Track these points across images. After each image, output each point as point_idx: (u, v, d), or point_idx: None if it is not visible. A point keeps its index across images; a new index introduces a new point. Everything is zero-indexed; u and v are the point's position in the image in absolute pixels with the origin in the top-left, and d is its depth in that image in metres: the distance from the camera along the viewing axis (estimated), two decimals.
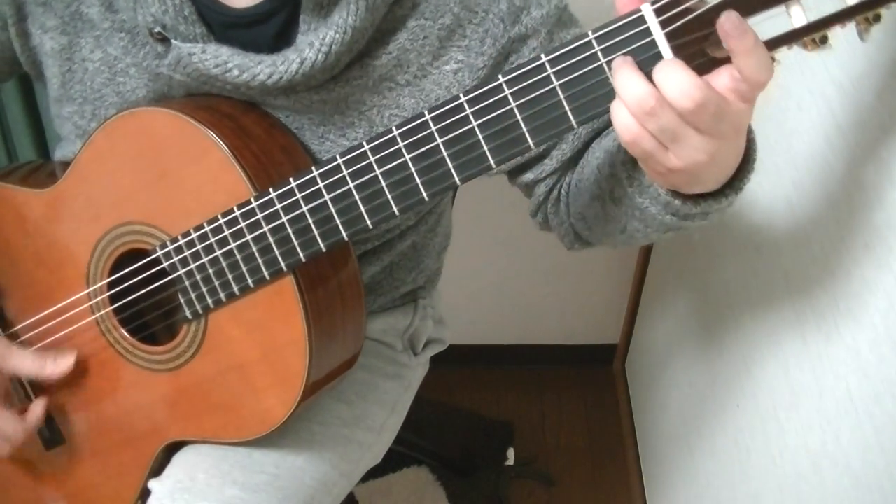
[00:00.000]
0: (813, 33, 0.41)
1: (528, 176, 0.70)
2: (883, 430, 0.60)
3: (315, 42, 0.59)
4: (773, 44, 0.42)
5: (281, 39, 0.62)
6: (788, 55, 0.44)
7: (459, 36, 0.63)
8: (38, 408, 0.70)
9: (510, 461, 1.41)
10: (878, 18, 0.40)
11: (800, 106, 0.74)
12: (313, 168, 0.56)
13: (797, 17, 0.41)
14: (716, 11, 0.42)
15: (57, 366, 0.68)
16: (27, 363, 0.68)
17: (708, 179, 0.52)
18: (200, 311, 0.64)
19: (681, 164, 0.47)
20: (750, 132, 0.53)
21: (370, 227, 0.56)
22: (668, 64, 0.44)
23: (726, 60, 0.44)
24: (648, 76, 0.45)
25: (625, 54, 0.45)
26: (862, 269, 0.63)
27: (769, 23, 0.43)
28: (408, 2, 0.62)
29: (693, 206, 0.55)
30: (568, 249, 0.75)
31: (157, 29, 0.61)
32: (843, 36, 0.42)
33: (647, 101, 0.44)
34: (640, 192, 0.58)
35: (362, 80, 0.63)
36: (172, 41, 0.61)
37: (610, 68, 0.46)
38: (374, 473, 0.87)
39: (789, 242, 0.77)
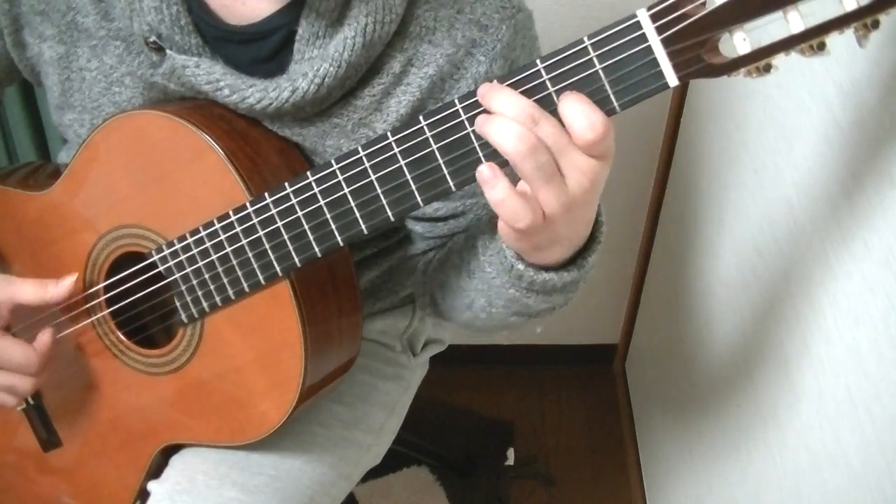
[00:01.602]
0: (811, 39, 0.41)
1: (418, 228, 0.71)
2: (883, 429, 0.60)
3: (309, 73, 0.59)
4: (771, 50, 0.42)
5: (273, 61, 0.62)
6: (784, 58, 0.43)
7: (439, 89, 0.63)
8: (45, 335, 0.66)
9: (510, 461, 1.41)
10: (876, 24, 0.39)
11: (800, 106, 0.74)
12: (308, 173, 0.56)
13: (795, 24, 0.41)
14: (714, 17, 0.42)
15: (59, 288, 0.64)
16: (28, 289, 0.65)
17: (558, 239, 0.53)
18: (196, 315, 0.64)
19: (553, 206, 0.49)
20: (599, 214, 0.55)
21: (365, 231, 0.56)
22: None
23: (725, 67, 0.43)
24: (649, 91, 0.45)
25: (617, 62, 0.45)
26: (862, 269, 0.63)
27: (766, 29, 0.42)
28: (398, 45, 0.62)
29: (536, 273, 0.57)
30: (421, 309, 0.77)
31: (153, 38, 0.61)
32: (842, 37, 0.42)
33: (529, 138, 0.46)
34: (489, 261, 0.60)
35: (342, 121, 0.64)
36: (167, 51, 0.61)
37: (605, 75, 0.46)
38: (373, 473, 0.87)
39: (789, 242, 0.77)
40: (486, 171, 0.48)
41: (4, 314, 0.66)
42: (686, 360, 1.12)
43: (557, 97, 0.47)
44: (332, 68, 0.58)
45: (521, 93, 0.48)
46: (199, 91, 0.62)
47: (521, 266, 0.57)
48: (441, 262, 0.70)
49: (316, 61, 0.59)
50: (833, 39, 0.41)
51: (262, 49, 0.61)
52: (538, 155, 0.46)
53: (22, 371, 0.66)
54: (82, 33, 0.66)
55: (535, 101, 0.48)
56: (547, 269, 0.57)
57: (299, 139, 0.64)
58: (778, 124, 0.79)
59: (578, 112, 0.45)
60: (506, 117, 0.46)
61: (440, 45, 0.62)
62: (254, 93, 0.60)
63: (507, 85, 0.48)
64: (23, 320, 0.68)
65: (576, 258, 0.57)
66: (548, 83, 0.47)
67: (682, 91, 1.16)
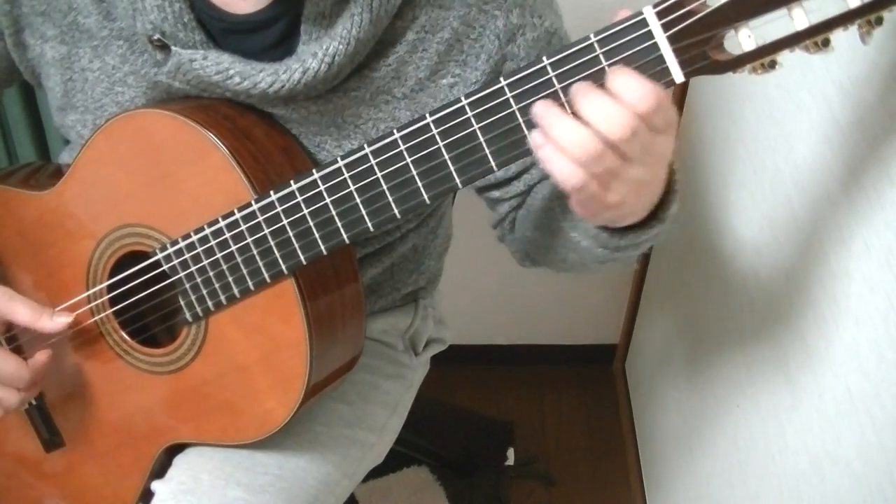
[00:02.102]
0: (815, 36, 0.41)
1: (495, 193, 0.71)
2: (883, 430, 0.60)
3: (318, 52, 0.59)
4: (775, 47, 0.42)
5: (281, 47, 0.61)
6: (796, 55, 0.43)
7: (457, 51, 0.63)
8: (42, 355, 0.66)
9: (510, 461, 1.41)
10: (880, 21, 0.39)
11: (800, 106, 0.74)
12: (314, 171, 0.56)
13: (799, 20, 0.41)
14: (720, 14, 0.42)
15: (53, 322, 0.66)
16: (23, 310, 0.65)
17: (634, 212, 0.54)
18: (201, 314, 0.64)
19: (618, 198, 0.49)
20: (670, 163, 0.54)
21: (371, 229, 0.56)
22: (593, 91, 0.45)
23: (730, 63, 0.44)
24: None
25: (623, 59, 0.45)
26: (862, 269, 0.63)
27: (771, 25, 0.42)
28: (408, 14, 0.62)
29: (620, 239, 0.57)
30: (519, 265, 0.77)
31: (157, 36, 0.61)
32: (843, 36, 0.42)
33: (591, 144, 0.45)
34: (572, 226, 0.60)
35: (360, 92, 0.63)
36: (173, 48, 0.61)
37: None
38: (373, 473, 0.87)
39: (789, 242, 0.77)
40: (536, 138, 0.48)
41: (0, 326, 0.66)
42: (686, 360, 1.12)
43: (564, 95, 0.47)
44: (341, 46, 0.58)
45: (528, 90, 0.48)
46: (206, 85, 0.62)
47: (605, 235, 0.57)
48: (525, 220, 0.70)
49: (324, 40, 0.59)
50: (836, 37, 0.42)
51: (270, 36, 0.61)
52: (593, 181, 0.47)
53: (12, 385, 0.66)
54: (84, 34, 0.66)
55: (540, 98, 0.48)
56: (631, 228, 0.57)
57: (317, 116, 0.64)
58: (778, 124, 0.80)
59: (629, 86, 0.44)
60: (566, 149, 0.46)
61: (451, 7, 0.62)
62: (264, 77, 0.60)
63: (513, 81, 0.48)
64: (28, 331, 0.68)
65: (657, 211, 0.57)
66: (554, 80, 0.47)
67: (682, 91, 1.16)
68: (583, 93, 0.46)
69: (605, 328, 1.53)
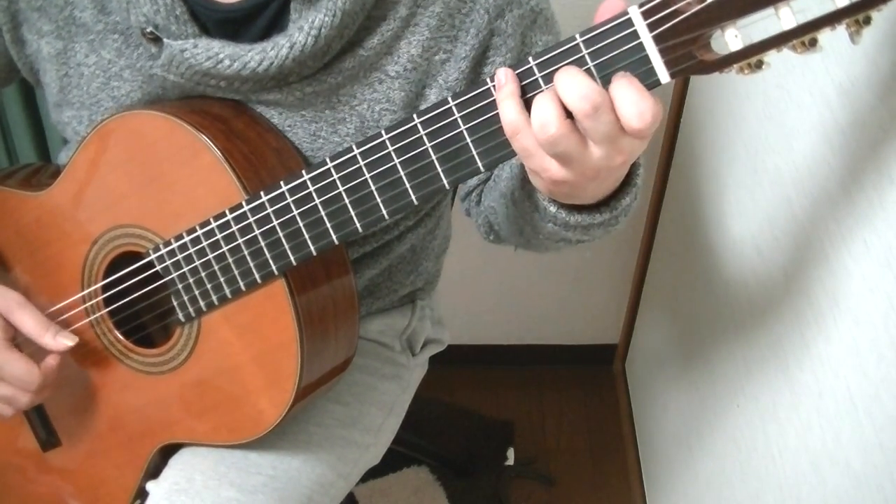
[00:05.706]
0: (802, 36, 0.41)
1: None
2: (883, 429, 0.60)
3: (304, 26, 0.59)
4: (762, 47, 0.42)
5: (274, 31, 0.61)
6: (789, 55, 0.43)
7: (448, 26, 0.63)
8: (53, 359, 0.67)
9: (510, 461, 1.41)
10: (868, 21, 0.39)
11: (800, 106, 0.74)
12: (304, 172, 0.56)
13: (786, 20, 0.41)
14: (706, 14, 0.42)
15: (55, 341, 0.66)
16: (30, 322, 0.66)
17: (585, 195, 0.54)
18: (193, 314, 0.64)
19: (566, 175, 0.49)
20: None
21: (360, 230, 0.56)
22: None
23: (716, 63, 0.43)
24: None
25: (608, 59, 0.45)
26: (862, 269, 0.63)
27: (758, 25, 0.42)
28: None
29: (568, 215, 0.57)
30: (483, 239, 0.78)
31: (150, 29, 0.61)
32: (843, 36, 0.42)
33: (553, 125, 0.46)
34: (528, 196, 0.60)
35: (353, 71, 0.64)
36: (165, 40, 0.61)
37: (597, 73, 0.46)
38: (373, 473, 0.87)
39: (789, 242, 0.77)
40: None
41: (10, 328, 0.66)
42: (686, 360, 1.12)
43: None
44: (326, 18, 0.58)
45: None
46: (200, 77, 0.62)
47: (552, 208, 0.58)
48: (491, 190, 0.71)
49: (311, 14, 0.59)
50: (827, 37, 0.41)
51: (261, 22, 0.61)
52: (561, 146, 0.47)
53: (22, 387, 0.66)
54: (80, 28, 0.66)
55: (526, 99, 0.48)
56: (581, 209, 0.57)
57: (312, 97, 0.64)
58: (778, 124, 0.79)
59: (628, 99, 0.44)
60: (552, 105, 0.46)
61: None
62: (253, 56, 0.60)
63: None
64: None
65: (610, 199, 0.57)
66: (540, 81, 0.47)
67: (681, 91, 1.16)
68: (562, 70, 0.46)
69: (605, 328, 1.53)
